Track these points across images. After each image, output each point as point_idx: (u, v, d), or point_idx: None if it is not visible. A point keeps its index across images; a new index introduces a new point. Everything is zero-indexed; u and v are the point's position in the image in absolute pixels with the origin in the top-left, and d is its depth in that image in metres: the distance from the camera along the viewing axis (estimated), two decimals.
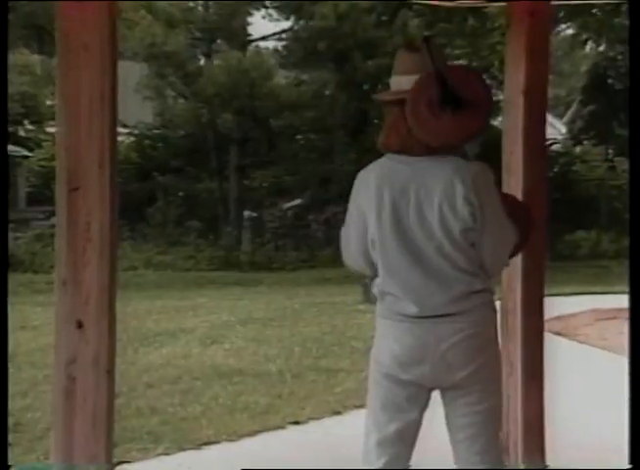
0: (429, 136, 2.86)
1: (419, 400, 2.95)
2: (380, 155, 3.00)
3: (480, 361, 2.89)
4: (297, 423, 5.69)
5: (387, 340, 2.93)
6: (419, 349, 2.87)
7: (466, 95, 2.84)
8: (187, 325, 9.98)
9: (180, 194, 22.48)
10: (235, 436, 5.36)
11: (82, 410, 3.09)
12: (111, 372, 3.12)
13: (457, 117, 2.84)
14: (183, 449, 5.08)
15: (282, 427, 5.60)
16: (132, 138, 23.58)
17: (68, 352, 3.10)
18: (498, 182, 3.17)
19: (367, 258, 2.96)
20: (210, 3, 22.62)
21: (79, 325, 3.08)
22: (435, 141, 2.87)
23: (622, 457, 3.06)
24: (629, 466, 1.86)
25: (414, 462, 3.53)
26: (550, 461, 4.16)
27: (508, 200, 3.13)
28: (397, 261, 2.89)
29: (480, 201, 2.87)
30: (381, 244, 2.90)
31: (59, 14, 3.11)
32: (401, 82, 2.91)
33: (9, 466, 3.00)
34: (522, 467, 4.11)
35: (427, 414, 3.01)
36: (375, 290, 2.97)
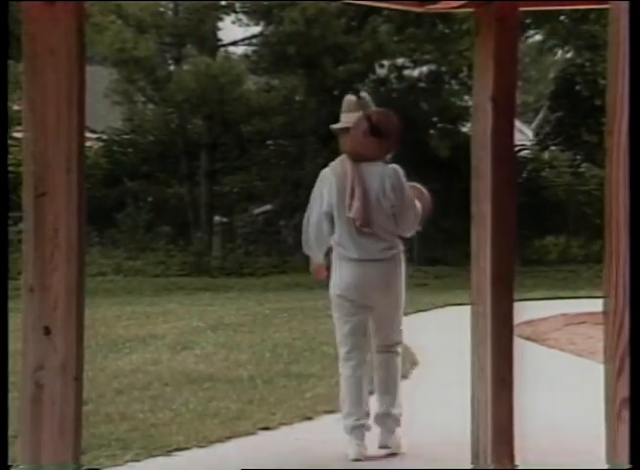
0: (363, 153, 4.93)
1: (364, 309, 5.01)
2: None
3: (397, 287, 5.03)
4: (267, 429, 5.67)
5: (341, 274, 4.99)
6: (362, 279, 4.94)
7: (385, 129, 4.91)
8: (157, 331, 9.93)
9: (150, 199, 22.37)
10: (205, 442, 5.33)
11: (50, 417, 3.06)
12: (78, 379, 3.10)
13: (379, 143, 4.92)
14: (153, 456, 5.05)
15: (253, 433, 5.58)
16: (101, 143, 23.43)
17: (36, 358, 3.07)
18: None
19: (325, 225, 4.99)
20: (180, 8, 22.52)
21: (47, 332, 3.05)
22: (366, 156, 4.92)
23: (593, 461, 3.07)
24: (629, 466, 1.86)
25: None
26: (519, 466, 4.17)
27: (415, 189, 5.14)
28: (348, 227, 4.92)
29: (399, 188, 4.95)
30: (338, 216, 4.94)
31: (25, 17, 3.08)
32: (348, 117, 5.00)
33: (9, 466, 2.97)
34: (491, 467, 4.12)
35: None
36: (332, 241, 4.98)
